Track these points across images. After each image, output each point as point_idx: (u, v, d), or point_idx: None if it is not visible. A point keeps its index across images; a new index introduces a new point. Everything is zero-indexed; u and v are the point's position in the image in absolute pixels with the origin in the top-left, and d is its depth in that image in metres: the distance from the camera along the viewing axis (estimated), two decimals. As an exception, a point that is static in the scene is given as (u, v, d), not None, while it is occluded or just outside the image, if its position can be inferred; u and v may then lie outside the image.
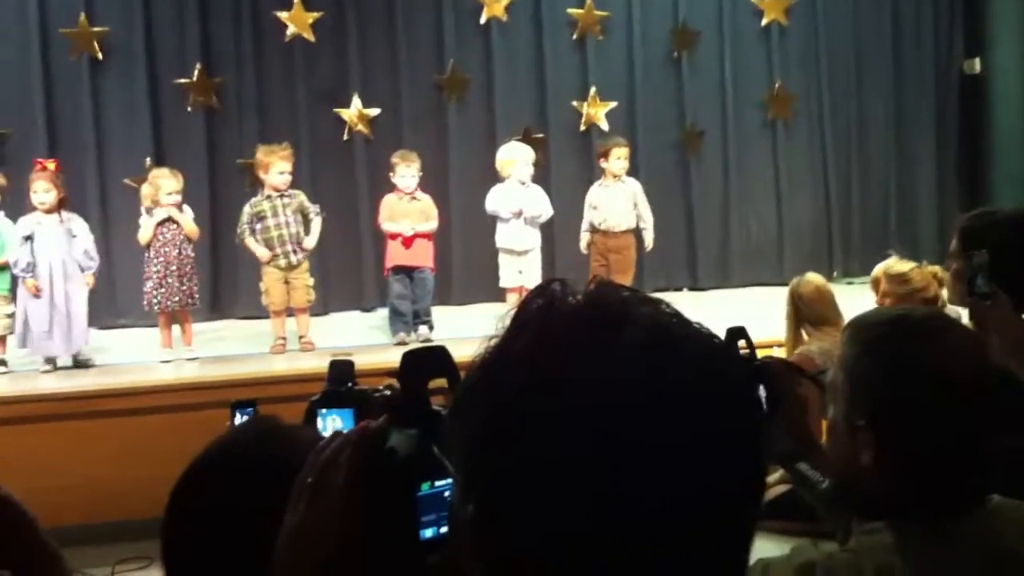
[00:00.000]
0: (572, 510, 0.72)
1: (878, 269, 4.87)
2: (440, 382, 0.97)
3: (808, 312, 5.18)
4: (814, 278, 5.33)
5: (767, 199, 9.23)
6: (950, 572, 1.47)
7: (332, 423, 1.63)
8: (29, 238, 6.10)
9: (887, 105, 9.59)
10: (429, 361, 0.99)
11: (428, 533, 0.91)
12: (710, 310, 6.84)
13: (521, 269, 7.04)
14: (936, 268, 4.68)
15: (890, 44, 9.60)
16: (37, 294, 6.05)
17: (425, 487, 0.91)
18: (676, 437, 0.73)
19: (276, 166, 6.63)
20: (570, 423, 0.73)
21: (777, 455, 1.88)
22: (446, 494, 0.88)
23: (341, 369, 1.70)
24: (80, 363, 6.27)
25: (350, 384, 1.71)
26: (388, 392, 1.63)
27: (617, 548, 0.72)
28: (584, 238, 7.39)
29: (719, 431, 0.75)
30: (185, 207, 6.59)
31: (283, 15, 8.25)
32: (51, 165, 6.39)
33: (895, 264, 4.85)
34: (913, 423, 1.49)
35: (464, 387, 0.82)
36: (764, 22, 9.25)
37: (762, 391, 1.73)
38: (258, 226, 6.63)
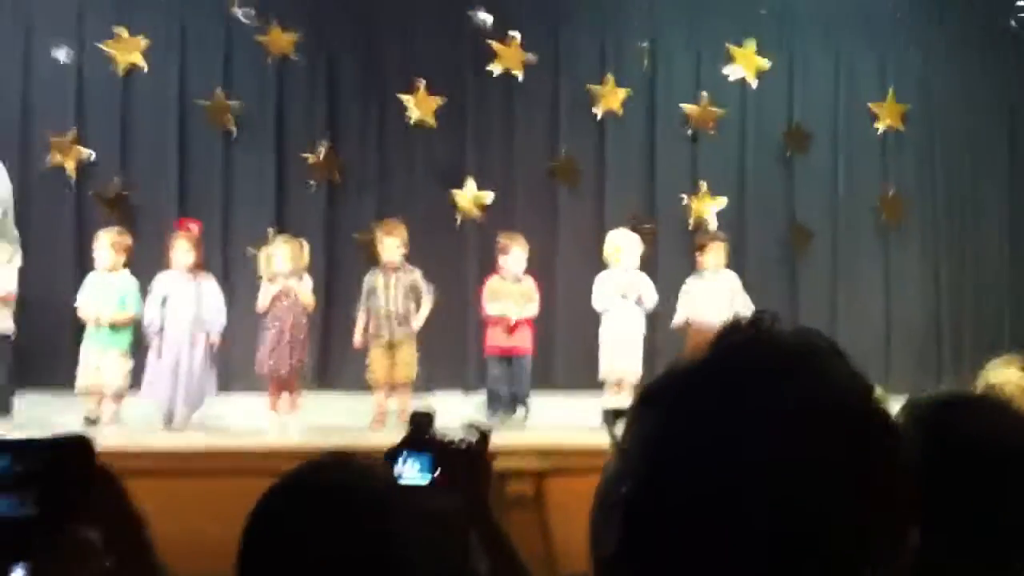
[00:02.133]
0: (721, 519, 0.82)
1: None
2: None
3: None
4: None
5: (875, 303, 9.14)
6: None
7: (410, 465, 1.71)
8: (164, 299, 6.43)
9: (1002, 212, 9.46)
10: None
11: None
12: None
13: (623, 360, 7.09)
14: None
15: (1007, 151, 9.48)
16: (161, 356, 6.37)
17: None
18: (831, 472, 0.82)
19: (389, 241, 6.88)
20: (743, 437, 0.83)
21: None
22: None
23: (421, 420, 1.80)
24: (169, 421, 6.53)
25: (428, 434, 1.79)
26: (464, 443, 1.73)
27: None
28: (677, 323, 7.42)
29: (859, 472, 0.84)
30: (305, 276, 6.86)
31: (407, 98, 8.58)
32: (193, 227, 6.75)
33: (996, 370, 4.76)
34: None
35: (657, 385, 0.91)
36: (880, 127, 9.25)
37: None
38: (371, 300, 6.87)
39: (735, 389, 0.85)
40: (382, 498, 1.33)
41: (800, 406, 0.84)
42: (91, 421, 6.44)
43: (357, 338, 6.83)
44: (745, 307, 7.45)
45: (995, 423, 1.51)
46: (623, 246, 7.31)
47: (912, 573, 1.51)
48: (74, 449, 0.90)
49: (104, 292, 6.60)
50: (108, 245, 6.64)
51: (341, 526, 1.23)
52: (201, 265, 6.64)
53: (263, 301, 6.71)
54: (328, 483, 1.42)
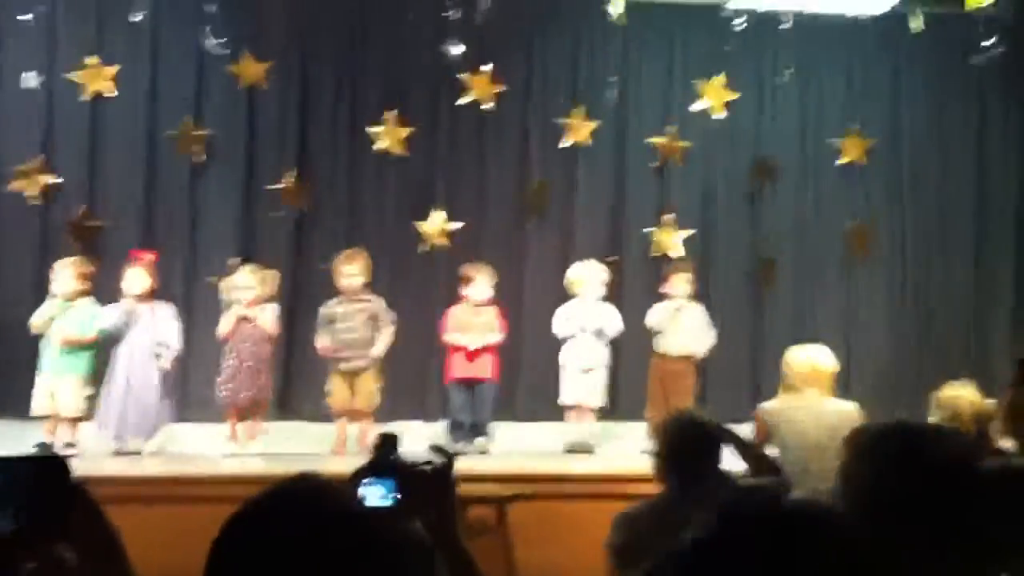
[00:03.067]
0: None
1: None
2: None
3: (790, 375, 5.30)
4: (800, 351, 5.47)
5: (839, 333, 9.16)
6: None
7: (375, 488, 1.68)
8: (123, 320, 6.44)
9: (967, 243, 9.52)
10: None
11: None
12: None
13: (583, 387, 7.12)
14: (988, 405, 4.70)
15: (974, 184, 9.56)
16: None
17: None
18: None
19: (347, 269, 6.89)
20: None
21: None
22: None
23: (386, 442, 1.79)
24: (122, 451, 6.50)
25: (392, 457, 1.77)
26: (428, 466, 1.72)
27: None
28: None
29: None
30: (270, 306, 6.85)
31: (376, 130, 8.62)
32: (148, 256, 6.76)
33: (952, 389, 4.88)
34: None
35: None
36: (842, 161, 9.32)
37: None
38: (329, 328, 6.86)
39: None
40: (348, 520, 1.31)
41: None
42: (46, 447, 6.40)
43: (327, 346, 6.83)
44: (711, 338, 7.50)
45: (941, 446, 1.61)
46: (585, 278, 7.35)
47: None
48: (50, 468, 0.90)
49: (64, 316, 6.58)
50: (73, 276, 6.63)
51: (307, 548, 1.22)
52: (154, 292, 6.63)
53: (224, 328, 6.70)
54: (293, 506, 1.39)
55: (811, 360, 5.39)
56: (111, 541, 0.87)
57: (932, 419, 4.75)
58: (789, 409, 5.17)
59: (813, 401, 5.18)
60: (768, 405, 5.30)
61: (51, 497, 0.89)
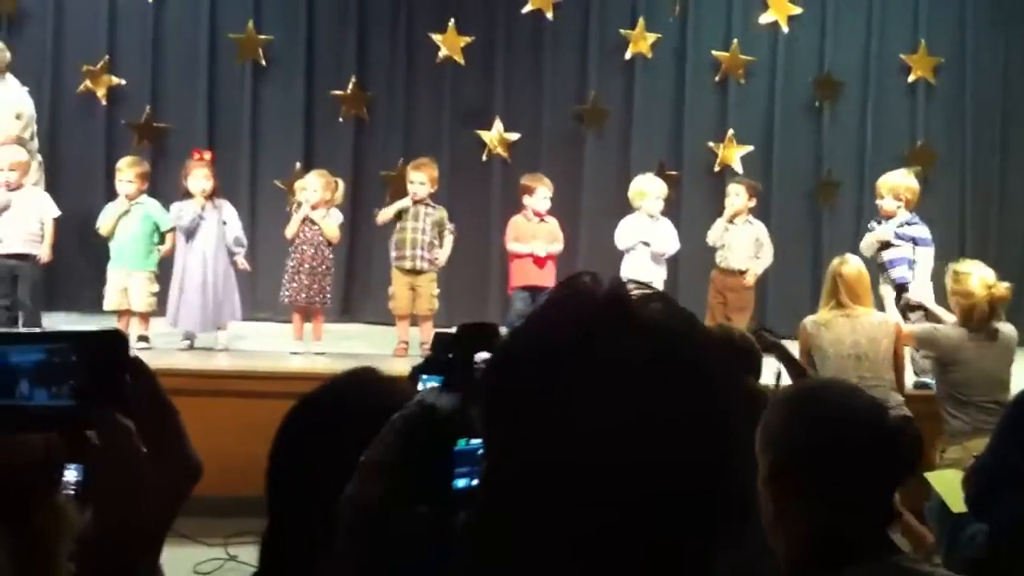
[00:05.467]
0: (558, 467, 0.81)
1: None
2: None
3: (845, 290, 5.26)
4: (856, 261, 5.53)
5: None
6: None
7: (427, 386, 1.75)
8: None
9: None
10: (481, 335, 1.12)
11: (461, 483, 1.04)
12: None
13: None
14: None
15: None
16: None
17: (462, 443, 1.05)
18: (644, 416, 0.81)
19: (416, 176, 6.93)
20: (565, 397, 0.82)
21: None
22: (479, 452, 0.97)
23: (443, 340, 1.82)
24: (191, 344, 6.61)
25: (450, 355, 1.81)
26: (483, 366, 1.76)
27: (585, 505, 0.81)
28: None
29: (687, 417, 0.82)
30: (334, 211, 6.91)
31: (437, 37, 8.58)
32: (207, 155, 6.82)
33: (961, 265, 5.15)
34: (810, 473, 1.60)
35: (492, 358, 0.92)
36: (911, 79, 9.19)
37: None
38: (397, 225, 6.92)
39: (577, 347, 0.83)
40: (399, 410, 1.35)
41: (647, 364, 0.82)
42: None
43: (388, 214, 6.95)
44: (769, 256, 7.47)
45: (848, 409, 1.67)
46: (648, 191, 7.33)
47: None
48: (108, 341, 0.93)
49: (130, 217, 6.66)
50: (134, 176, 6.70)
51: (367, 435, 1.27)
52: (217, 191, 6.70)
53: (291, 229, 6.78)
54: (354, 395, 1.50)
55: (861, 271, 5.43)
56: (170, 413, 0.91)
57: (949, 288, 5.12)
58: (831, 320, 5.20)
59: (855, 312, 5.20)
60: (810, 318, 5.33)
61: (109, 370, 0.92)
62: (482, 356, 1.07)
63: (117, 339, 0.92)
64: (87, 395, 0.89)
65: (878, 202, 6.94)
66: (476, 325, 1.14)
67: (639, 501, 0.81)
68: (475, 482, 1.01)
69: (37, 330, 1.00)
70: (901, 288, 6.67)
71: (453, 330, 1.82)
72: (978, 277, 5.05)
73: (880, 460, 1.61)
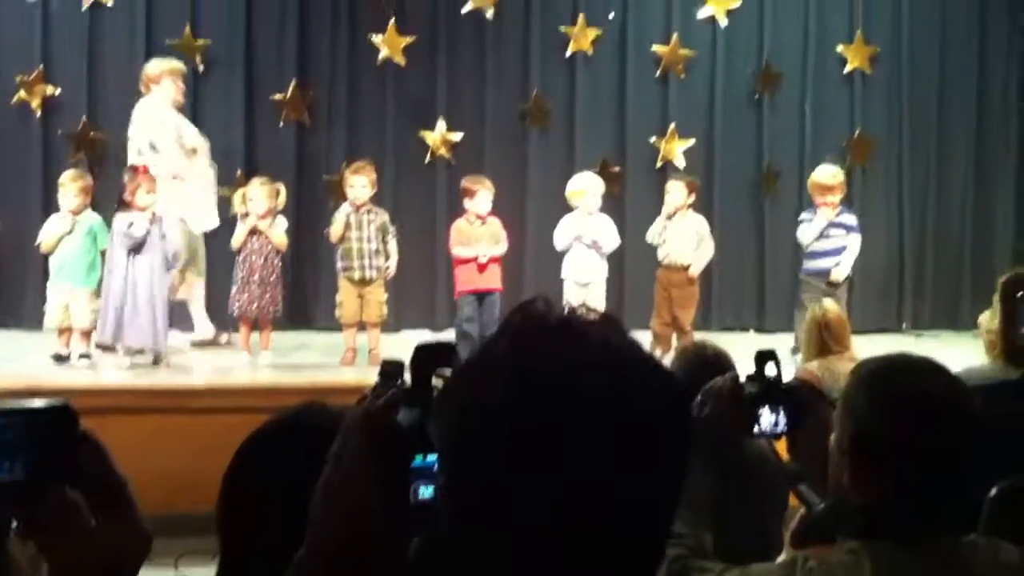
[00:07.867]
0: (507, 480, 0.88)
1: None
2: None
3: (832, 339, 5.28)
4: (834, 306, 5.52)
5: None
6: None
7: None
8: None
9: (968, 152, 9.57)
10: (438, 353, 1.16)
11: (426, 494, 1.07)
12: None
13: (584, 300, 7.18)
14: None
15: (975, 96, 9.56)
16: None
17: (418, 459, 1.08)
18: (595, 437, 0.87)
19: (356, 180, 6.90)
20: (512, 421, 0.88)
21: (785, 475, 2.03)
22: (435, 468, 1.03)
23: (389, 369, 1.84)
24: (158, 360, 6.56)
25: (398, 382, 1.82)
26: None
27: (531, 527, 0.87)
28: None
29: (636, 438, 0.88)
30: (279, 218, 6.88)
31: (377, 38, 8.53)
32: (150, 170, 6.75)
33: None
34: (888, 450, 1.62)
35: (450, 379, 0.99)
36: (847, 69, 9.30)
37: (780, 414, 1.91)
38: (344, 234, 6.89)
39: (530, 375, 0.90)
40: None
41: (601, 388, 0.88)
42: (61, 358, 6.47)
43: (338, 231, 6.89)
44: (710, 249, 7.55)
45: (934, 383, 1.66)
46: (584, 188, 7.37)
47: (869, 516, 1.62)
48: (58, 416, 0.94)
49: (72, 232, 6.58)
50: (76, 190, 6.62)
51: (317, 472, 1.28)
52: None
53: (238, 239, 6.74)
54: (302, 432, 1.48)
55: (840, 315, 5.41)
56: (119, 486, 0.93)
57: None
58: (829, 363, 5.06)
59: (847, 354, 5.13)
60: (807, 365, 5.23)
61: (60, 445, 0.94)
62: (442, 372, 1.11)
63: (67, 414, 0.93)
64: (38, 470, 0.91)
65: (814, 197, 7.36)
66: (433, 344, 1.17)
67: (588, 519, 0.86)
68: (431, 496, 1.05)
69: None
70: (823, 275, 7.37)
71: (399, 357, 1.83)
72: None
73: (959, 439, 1.62)
